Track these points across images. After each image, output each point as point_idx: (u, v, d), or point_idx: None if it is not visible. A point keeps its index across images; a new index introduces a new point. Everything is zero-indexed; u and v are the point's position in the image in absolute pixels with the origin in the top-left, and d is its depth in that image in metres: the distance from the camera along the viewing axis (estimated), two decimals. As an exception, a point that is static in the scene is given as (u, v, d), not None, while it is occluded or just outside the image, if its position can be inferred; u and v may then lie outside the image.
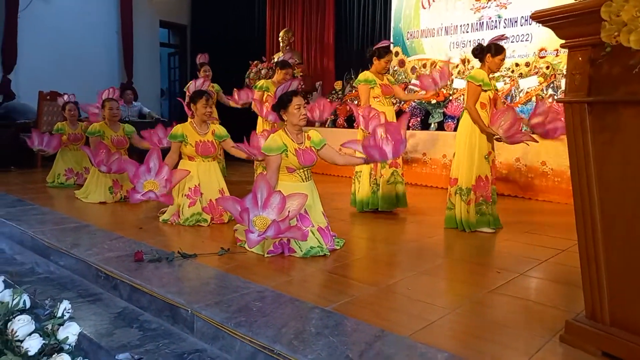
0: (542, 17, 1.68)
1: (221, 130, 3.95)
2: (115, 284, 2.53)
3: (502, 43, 3.62)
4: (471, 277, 2.70)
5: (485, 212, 3.64)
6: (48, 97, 6.82)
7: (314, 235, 2.98)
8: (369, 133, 4.03)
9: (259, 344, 1.80)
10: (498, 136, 3.47)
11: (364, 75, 4.26)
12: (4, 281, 1.55)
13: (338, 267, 2.78)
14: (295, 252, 2.92)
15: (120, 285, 2.50)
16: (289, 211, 2.79)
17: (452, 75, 4.11)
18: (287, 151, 3.03)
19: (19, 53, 7.94)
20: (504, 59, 3.64)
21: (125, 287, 2.47)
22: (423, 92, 4.46)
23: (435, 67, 6.46)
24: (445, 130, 6.03)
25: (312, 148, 3.13)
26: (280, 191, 2.83)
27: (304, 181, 3.11)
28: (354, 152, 3.48)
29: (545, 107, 3.44)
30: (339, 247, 3.11)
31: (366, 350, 1.72)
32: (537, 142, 3.65)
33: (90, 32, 8.93)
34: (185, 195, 3.72)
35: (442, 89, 4.18)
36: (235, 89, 5.73)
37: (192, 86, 4.10)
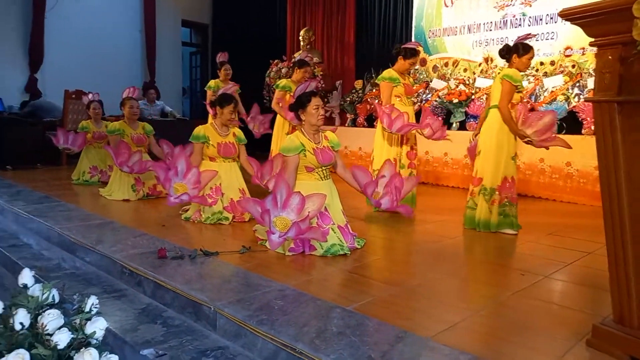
0: (570, 15, 1.65)
1: (241, 134, 4.00)
2: (140, 280, 2.57)
3: (529, 42, 3.56)
4: (494, 279, 2.67)
5: (508, 213, 3.58)
6: (73, 96, 6.95)
7: (335, 233, 2.98)
8: (390, 132, 4.03)
9: (281, 342, 1.80)
10: (528, 139, 3.41)
11: (389, 72, 4.23)
12: (34, 276, 1.59)
13: (358, 267, 2.77)
14: (316, 249, 2.92)
15: (144, 282, 2.54)
16: (308, 211, 2.81)
17: (445, 135, 4.16)
18: (305, 151, 3.04)
19: (46, 52, 8.12)
20: (531, 58, 3.56)
21: (149, 283, 2.50)
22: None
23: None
24: (467, 130, 5.96)
25: (330, 147, 3.16)
26: (299, 192, 2.85)
27: (322, 180, 3.12)
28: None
29: (545, 123, 3.40)
30: (359, 247, 3.10)
31: (388, 351, 1.71)
32: (571, 147, 3.49)
33: (115, 32, 9.09)
34: (206, 195, 3.75)
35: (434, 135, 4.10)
36: (255, 106, 5.67)
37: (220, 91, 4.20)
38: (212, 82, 5.91)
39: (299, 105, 3.11)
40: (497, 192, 3.55)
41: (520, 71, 3.58)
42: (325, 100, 7.45)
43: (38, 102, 7.48)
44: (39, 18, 8.00)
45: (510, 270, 2.81)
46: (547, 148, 3.51)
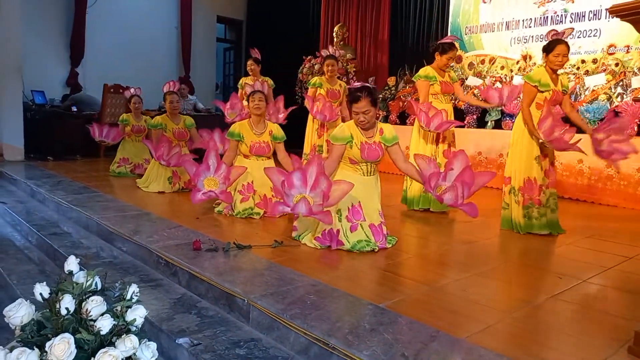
0: (621, 12, 1.60)
1: (278, 132, 3.96)
2: (175, 270, 2.63)
3: (566, 38, 3.43)
4: (530, 281, 2.61)
5: (533, 216, 3.49)
6: (112, 90, 7.14)
7: (363, 229, 2.97)
8: (428, 130, 3.98)
9: (314, 336, 1.82)
10: (542, 140, 3.33)
11: (425, 70, 4.17)
12: (79, 263, 1.64)
13: (390, 265, 2.76)
14: (344, 244, 2.93)
15: (179, 272, 2.60)
16: (328, 195, 2.77)
17: (520, 94, 3.88)
18: (352, 142, 3.00)
19: (86, 47, 8.36)
20: (559, 55, 3.38)
21: (184, 274, 2.56)
22: (484, 102, 4.33)
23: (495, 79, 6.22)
24: (502, 129, 5.85)
25: (381, 144, 3.06)
26: (328, 177, 2.81)
27: (365, 175, 3.07)
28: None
29: (618, 124, 3.23)
30: (390, 246, 3.08)
31: (422, 349, 1.70)
32: (586, 154, 3.44)
33: (152, 28, 9.28)
34: (238, 191, 3.80)
35: (505, 105, 3.98)
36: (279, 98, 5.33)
37: (248, 88, 4.19)
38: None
39: (351, 100, 3.03)
40: (520, 193, 3.52)
41: (553, 70, 3.49)
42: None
43: (78, 96, 7.72)
44: (80, 14, 8.24)
45: (546, 273, 2.75)
46: (565, 150, 3.38)
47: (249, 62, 5.87)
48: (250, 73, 5.81)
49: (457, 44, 6.78)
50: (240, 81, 5.95)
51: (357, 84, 3.05)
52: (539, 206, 3.49)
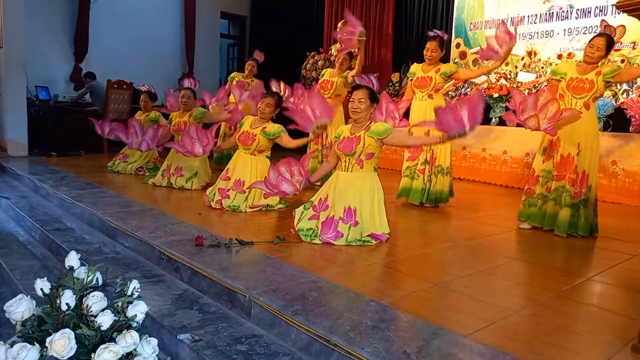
0: (628, 7, 1.57)
1: (271, 129, 3.96)
2: (177, 266, 2.62)
3: (612, 35, 3.39)
4: (534, 279, 2.60)
5: (525, 204, 3.57)
6: (115, 86, 7.14)
7: (319, 220, 3.06)
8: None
9: (315, 333, 1.81)
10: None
11: (412, 66, 4.32)
12: (80, 259, 1.64)
13: (392, 262, 2.75)
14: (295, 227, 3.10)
15: (181, 268, 2.59)
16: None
17: (514, 37, 3.71)
18: (339, 139, 3.17)
19: (90, 43, 8.36)
20: (593, 46, 3.33)
21: (186, 270, 2.55)
22: (490, 62, 4.11)
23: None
24: (507, 126, 5.82)
25: (360, 138, 3.06)
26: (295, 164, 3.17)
27: (342, 171, 3.15)
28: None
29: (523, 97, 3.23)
30: (339, 244, 2.98)
31: (424, 347, 1.69)
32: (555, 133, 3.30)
33: (157, 24, 9.29)
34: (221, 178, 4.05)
35: (509, 54, 3.75)
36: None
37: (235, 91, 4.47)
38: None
39: (350, 91, 3.21)
40: (527, 185, 3.64)
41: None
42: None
43: (96, 83, 7.69)
44: (84, 10, 8.24)
45: (550, 270, 2.73)
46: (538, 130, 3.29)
47: (252, 63, 6.10)
48: (247, 72, 5.89)
49: (455, 39, 6.77)
50: (232, 74, 6.03)
51: (365, 82, 3.18)
52: (532, 196, 3.56)
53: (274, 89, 5.24)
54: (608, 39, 3.34)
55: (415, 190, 4.20)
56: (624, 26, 3.59)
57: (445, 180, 4.19)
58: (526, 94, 4.40)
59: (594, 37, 3.39)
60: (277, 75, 6.03)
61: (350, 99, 3.11)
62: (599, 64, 3.41)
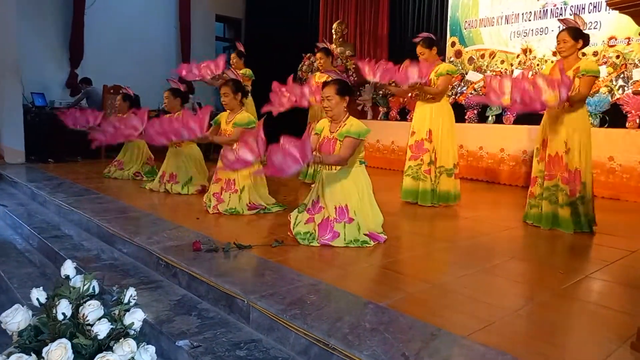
0: (620, 4, 1.57)
1: (241, 120, 3.92)
2: (175, 272, 2.62)
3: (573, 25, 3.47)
4: (533, 278, 2.60)
5: (528, 205, 3.61)
6: (112, 91, 7.12)
7: (315, 222, 3.05)
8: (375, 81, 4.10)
9: (314, 337, 1.80)
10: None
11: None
12: (76, 267, 1.63)
13: (390, 263, 2.75)
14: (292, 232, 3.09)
15: (179, 274, 2.59)
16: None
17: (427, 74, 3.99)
18: (320, 135, 3.19)
19: (85, 48, 8.34)
20: (559, 41, 3.49)
21: (184, 275, 2.55)
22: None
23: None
24: (503, 124, 5.82)
25: (337, 139, 3.06)
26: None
27: (327, 169, 3.14)
28: None
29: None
30: (335, 245, 2.96)
31: (423, 348, 1.69)
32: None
33: (151, 27, 9.27)
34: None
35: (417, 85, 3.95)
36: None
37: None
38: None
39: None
40: (530, 187, 3.65)
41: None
42: (358, 93, 7.40)
43: (92, 88, 7.68)
44: (79, 15, 8.22)
45: (549, 268, 2.72)
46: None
47: (232, 55, 6.19)
48: (232, 66, 5.91)
49: (450, 37, 6.77)
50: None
51: (334, 76, 3.20)
52: (533, 197, 3.57)
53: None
54: (570, 30, 3.40)
55: (424, 191, 4.19)
56: (579, 16, 3.55)
57: (449, 181, 4.20)
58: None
59: (558, 34, 3.49)
60: (273, 78, 6.03)
61: (321, 98, 3.13)
62: (580, 56, 3.49)
